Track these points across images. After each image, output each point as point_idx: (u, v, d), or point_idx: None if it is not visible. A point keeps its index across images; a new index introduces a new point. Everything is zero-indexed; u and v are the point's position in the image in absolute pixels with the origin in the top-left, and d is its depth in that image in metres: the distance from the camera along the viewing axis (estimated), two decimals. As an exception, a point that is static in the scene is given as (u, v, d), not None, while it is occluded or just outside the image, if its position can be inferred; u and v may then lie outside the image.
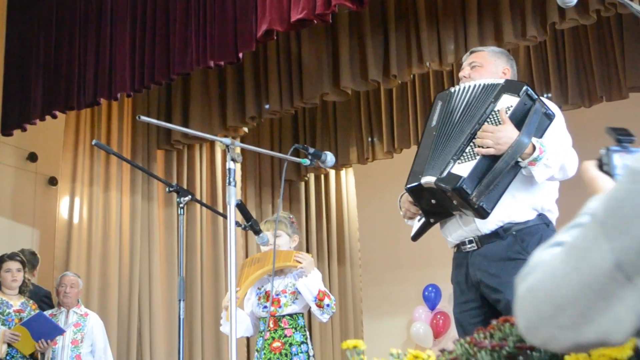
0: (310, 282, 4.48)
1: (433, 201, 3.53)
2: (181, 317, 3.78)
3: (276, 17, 6.03)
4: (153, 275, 7.90)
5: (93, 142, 4.05)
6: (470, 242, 3.57)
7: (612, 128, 1.50)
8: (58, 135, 7.85)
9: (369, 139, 8.90)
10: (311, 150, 3.82)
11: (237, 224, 3.79)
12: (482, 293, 3.51)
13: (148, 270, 7.87)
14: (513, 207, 3.46)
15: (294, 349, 4.43)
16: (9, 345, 5.94)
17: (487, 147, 3.33)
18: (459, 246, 3.66)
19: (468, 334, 3.53)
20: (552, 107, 3.55)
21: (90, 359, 6.48)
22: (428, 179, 3.45)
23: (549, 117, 3.43)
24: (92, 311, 6.78)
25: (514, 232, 3.45)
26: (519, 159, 3.33)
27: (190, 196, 3.98)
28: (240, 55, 6.31)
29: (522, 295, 1.19)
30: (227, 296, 4.07)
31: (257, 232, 4.10)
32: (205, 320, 8.17)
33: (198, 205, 8.14)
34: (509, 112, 3.39)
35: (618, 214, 1.07)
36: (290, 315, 4.51)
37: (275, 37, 6.33)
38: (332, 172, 9.82)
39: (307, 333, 4.57)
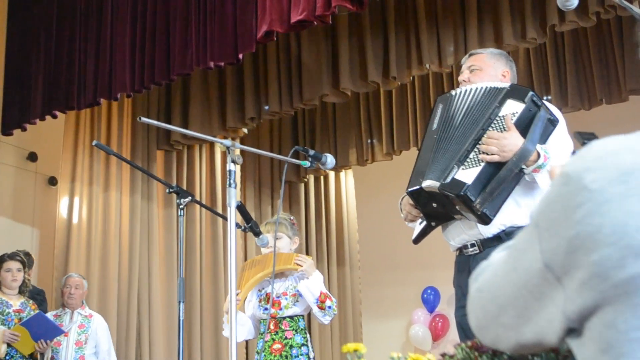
0: (312, 284, 4.48)
1: (434, 205, 3.54)
2: (181, 318, 3.78)
3: (276, 18, 6.03)
4: (152, 275, 7.90)
5: (93, 143, 4.05)
6: (473, 245, 3.58)
7: (579, 132, 1.51)
8: (58, 135, 7.85)
9: (369, 141, 8.90)
10: (311, 152, 3.82)
11: (237, 225, 3.79)
12: (484, 297, 3.51)
13: (147, 271, 7.87)
14: (516, 212, 3.47)
15: (294, 351, 4.43)
16: (9, 345, 5.94)
17: (492, 154, 3.33)
18: (461, 249, 3.67)
19: (469, 338, 3.55)
20: (555, 111, 3.55)
21: (94, 360, 6.51)
22: (429, 183, 3.45)
23: (553, 123, 3.44)
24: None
25: None
26: (523, 166, 3.33)
27: (190, 197, 3.98)
28: (240, 56, 6.31)
29: (472, 295, 1.24)
30: (228, 300, 4.08)
31: (257, 233, 4.10)
32: (205, 322, 8.17)
33: (197, 206, 8.14)
34: (514, 119, 3.40)
35: (548, 216, 1.10)
36: (291, 317, 4.51)
37: (275, 38, 6.33)
38: (331, 174, 9.82)
39: (308, 335, 4.57)
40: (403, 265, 9.97)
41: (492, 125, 3.43)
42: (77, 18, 7.09)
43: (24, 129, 7.31)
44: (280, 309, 4.50)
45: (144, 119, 3.51)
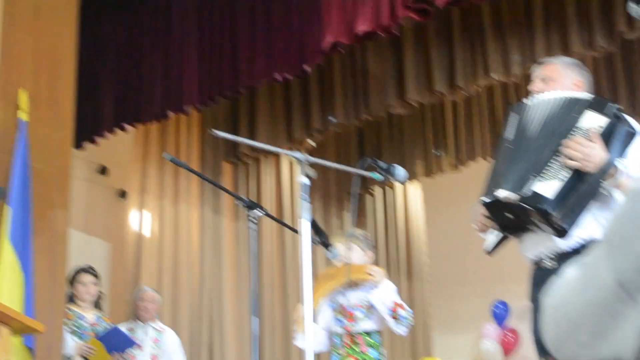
0: (384, 295, 4.45)
1: (509, 215, 3.50)
2: (255, 332, 3.77)
3: (342, 30, 6.04)
4: (222, 289, 7.93)
5: (166, 157, 4.10)
6: (550, 259, 3.53)
7: None
8: (128, 148, 7.97)
9: (435, 152, 8.83)
10: (382, 164, 3.81)
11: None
12: (561, 311, 3.46)
13: (218, 285, 7.91)
14: (593, 225, 3.41)
15: (369, 366, 4.42)
16: (84, 359, 6.03)
17: (574, 160, 3.29)
18: (537, 263, 3.62)
19: (546, 353, 3.52)
20: (634, 124, 3.48)
21: (167, 374, 6.57)
22: (506, 194, 3.42)
23: (632, 136, 3.38)
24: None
25: None
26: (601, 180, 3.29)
27: (262, 211, 4.00)
28: (306, 67, 6.34)
29: (546, 312, 1.22)
30: (299, 309, 4.09)
31: (328, 246, 4.09)
32: (275, 335, 8.15)
33: (265, 219, 8.15)
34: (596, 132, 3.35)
35: (619, 233, 1.09)
36: (366, 332, 4.48)
37: (340, 50, 6.34)
38: (398, 186, 9.76)
39: (384, 350, 4.54)
40: (473, 278, 9.86)
41: (572, 136, 3.38)
42: (145, 33, 7.20)
43: (95, 143, 7.43)
44: (355, 322, 4.48)
45: (217, 132, 3.55)
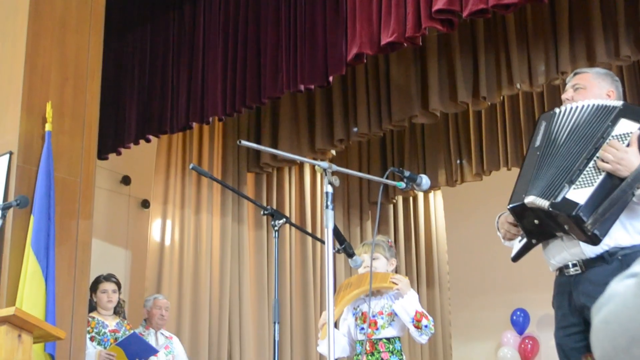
0: (407, 303, 4.45)
1: (536, 222, 3.49)
2: (276, 339, 3.77)
3: (366, 41, 6.02)
4: (243, 297, 7.94)
5: (191, 167, 4.10)
6: (574, 265, 3.50)
7: None
8: (150, 159, 8.00)
9: (458, 161, 8.81)
10: (407, 173, 3.80)
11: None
12: (585, 318, 3.44)
13: (238, 293, 7.93)
14: (620, 231, 3.39)
15: (390, 373, 4.41)
16: (105, 365, 6.05)
17: (608, 163, 3.28)
18: (561, 269, 3.60)
19: (569, 359, 3.50)
20: None
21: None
22: (534, 200, 3.41)
23: None
24: (184, 333, 6.89)
25: (620, 257, 3.38)
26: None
27: (285, 219, 4.00)
28: (330, 78, 6.33)
29: (597, 326, 1.20)
30: (324, 316, 4.09)
31: (351, 255, 4.08)
32: (295, 343, 8.18)
33: (287, 227, 8.18)
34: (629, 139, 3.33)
35: None
36: (388, 338, 4.48)
37: (365, 61, 6.33)
38: (420, 195, 9.76)
39: (404, 357, 4.54)
40: (492, 286, 9.86)
41: (607, 142, 3.37)
42: (169, 45, 7.22)
43: (119, 153, 7.46)
44: (377, 329, 4.49)
45: (244, 142, 3.55)
